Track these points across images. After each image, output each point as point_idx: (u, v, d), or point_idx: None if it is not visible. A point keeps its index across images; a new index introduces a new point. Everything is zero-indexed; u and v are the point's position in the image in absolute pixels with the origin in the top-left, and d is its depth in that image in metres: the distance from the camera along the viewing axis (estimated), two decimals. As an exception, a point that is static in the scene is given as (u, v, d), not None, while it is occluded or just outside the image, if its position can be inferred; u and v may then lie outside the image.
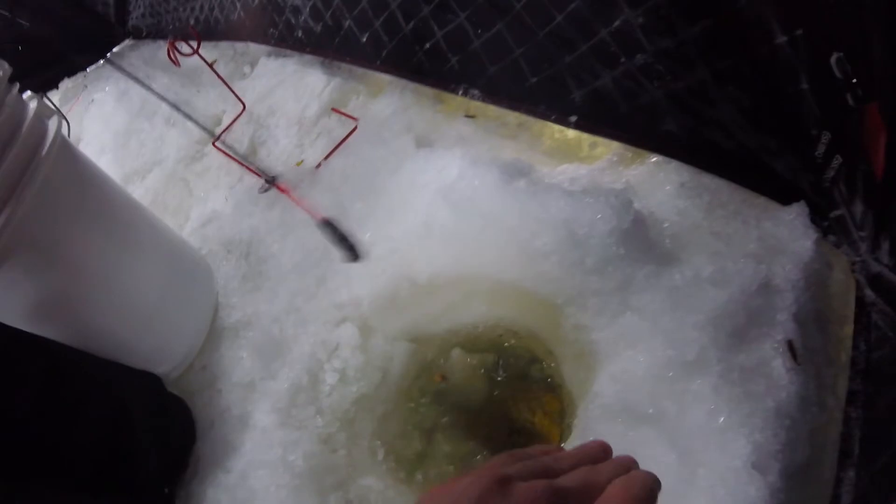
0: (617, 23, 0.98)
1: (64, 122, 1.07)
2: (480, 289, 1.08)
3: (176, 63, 1.43)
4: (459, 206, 1.04)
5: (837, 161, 0.88)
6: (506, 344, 1.11)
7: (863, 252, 0.88)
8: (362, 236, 1.22)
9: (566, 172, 1.09)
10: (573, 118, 1.11)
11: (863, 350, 0.83)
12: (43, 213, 0.96)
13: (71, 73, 2.20)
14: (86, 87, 2.12)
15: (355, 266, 1.20)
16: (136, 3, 2.04)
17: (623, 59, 1.01)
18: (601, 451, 0.52)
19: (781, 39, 0.83)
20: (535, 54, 1.13)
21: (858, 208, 0.89)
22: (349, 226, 1.23)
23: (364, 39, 1.38)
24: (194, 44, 1.40)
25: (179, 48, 1.41)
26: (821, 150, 0.88)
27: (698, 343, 0.75)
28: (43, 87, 2.19)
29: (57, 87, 2.21)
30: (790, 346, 0.75)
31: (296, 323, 1.21)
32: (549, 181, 1.00)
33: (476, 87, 1.23)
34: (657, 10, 0.93)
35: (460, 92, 1.24)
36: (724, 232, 0.91)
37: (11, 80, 1.00)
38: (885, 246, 0.83)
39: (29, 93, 1.02)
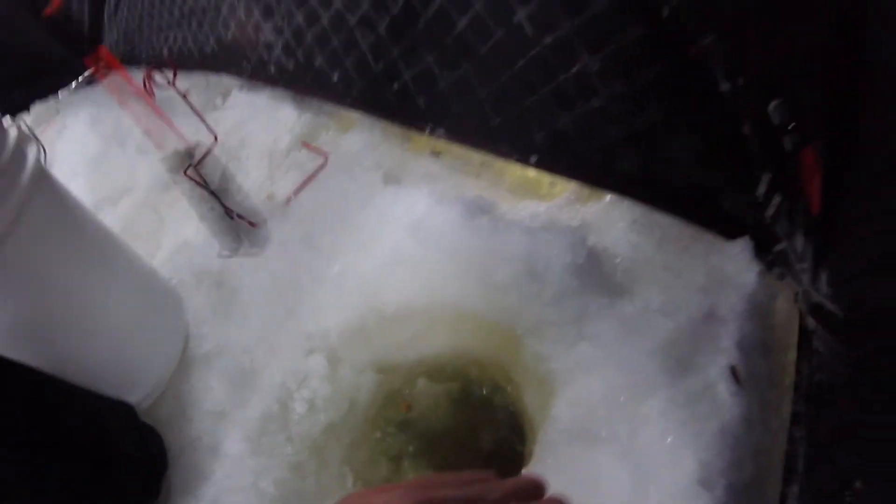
0: (575, 68, 1.06)
1: (41, 150, 1.11)
2: (445, 320, 1.14)
3: (151, 93, 1.47)
4: (425, 241, 1.10)
5: (777, 199, 0.96)
6: (469, 373, 1.17)
7: (804, 283, 0.96)
8: (332, 268, 1.27)
9: (527, 209, 1.16)
10: (534, 158, 1.18)
11: (805, 374, 0.91)
12: (17, 240, 0.99)
13: (42, 96, 2.22)
14: (58, 111, 2.15)
15: (324, 297, 1.26)
16: (110, 30, 2.08)
17: (581, 102, 1.09)
18: (533, 489, 0.52)
19: (725, 86, 0.91)
20: (499, 96, 1.21)
21: (799, 242, 0.96)
22: (318, 257, 1.29)
23: (335, 78, 1.44)
24: (170, 75, 1.45)
25: (155, 79, 1.45)
26: (762, 189, 0.96)
27: (648, 369, 0.82)
28: (14, 110, 2.21)
29: (28, 111, 2.23)
30: (733, 371, 0.82)
31: (266, 353, 1.26)
32: (510, 218, 1.07)
33: (442, 127, 1.30)
34: (614, 56, 1.01)
35: (427, 131, 1.31)
36: (674, 265, 0.98)
37: None
38: (824, 277, 0.91)
39: (8, 119, 1.05)
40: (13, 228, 0.98)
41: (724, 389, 0.80)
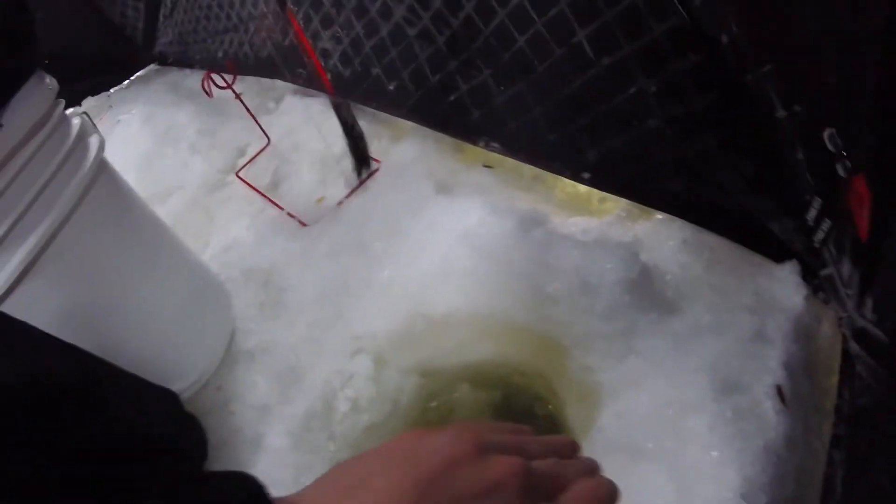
0: (632, 90, 1.10)
1: (102, 141, 1.15)
2: (492, 328, 1.18)
3: (210, 94, 1.54)
4: (479, 249, 1.15)
5: (827, 224, 0.99)
6: (513, 382, 1.21)
7: (849, 308, 0.99)
8: (381, 273, 1.32)
9: (578, 224, 1.20)
10: (586, 175, 1.22)
11: (847, 398, 0.94)
12: (75, 228, 1.03)
13: (94, 92, 2.29)
14: (111, 107, 2.22)
15: (372, 301, 1.30)
16: (164, 31, 2.15)
17: (635, 123, 1.13)
18: (570, 448, 0.53)
19: (781, 114, 0.94)
20: (554, 113, 1.25)
21: (846, 268, 0.99)
22: (368, 263, 1.34)
23: (391, 87, 1.50)
24: (229, 77, 1.52)
25: (214, 81, 1.52)
26: (812, 214, 1.00)
27: (696, 385, 0.85)
28: (67, 103, 2.28)
29: (80, 105, 2.30)
30: (779, 390, 0.86)
31: (312, 352, 1.30)
32: (563, 231, 1.11)
33: (496, 141, 1.34)
34: (671, 81, 1.05)
35: (481, 143, 1.36)
36: (722, 285, 1.02)
37: (60, 95, 1.08)
38: (869, 303, 0.94)
39: (71, 110, 1.09)
40: (72, 216, 1.01)
41: (769, 408, 0.83)
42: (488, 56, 1.31)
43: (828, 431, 0.90)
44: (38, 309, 1.02)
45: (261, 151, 1.75)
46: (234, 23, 1.89)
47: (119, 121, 2.08)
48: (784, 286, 1.00)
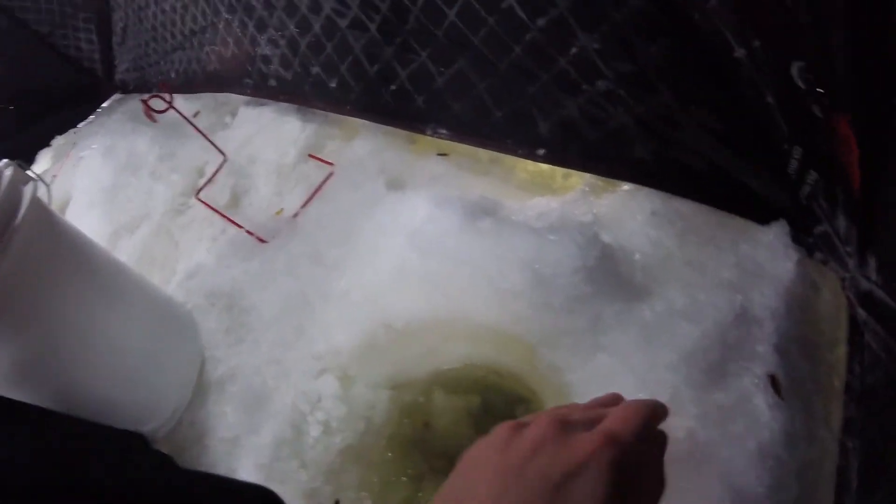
0: (574, 50, 0.94)
1: (42, 186, 1.06)
2: (458, 330, 1.03)
3: (152, 119, 1.39)
4: (427, 249, 0.99)
5: (812, 177, 0.82)
6: (489, 385, 1.06)
7: (851, 268, 0.82)
8: (338, 284, 1.17)
9: (537, 207, 1.03)
10: (541, 151, 1.06)
11: (857, 373, 0.77)
12: (19, 281, 0.94)
13: (62, 129, 2.17)
14: (75, 144, 2.08)
15: (332, 314, 1.16)
16: (120, 58, 2.02)
17: (585, 87, 0.97)
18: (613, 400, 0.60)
19: (740, 52, 0.78)
20: (498, 88, 1.09)
21: (842, 223, 0.83)
22: (326, 273, 1.19)
23: (333, 85, 1.33)
24: (171, 99, 1.37)
25: (153, 105, 1.37)
26: (793, 165, 0.82)
27: (671, 383, 0.69)
28: (35, 144, 2.16)
29: (49, 144, 2.18)
30: (772, 380, 0.69)
31: (277, 375, 1.16)
32: (516, 218, 0.94)
33: (443, 127, 1.18)
34: (613, 32, 0.88)
35: (429, 132, 1.19)
36: (698, 260, 0.84)
37: None
38: (872, 262, 0.77)
39: (5, 161, 1.01)
40: (14, 267, 0.92)
41: (761, 402, 0.66)
42: (422, 36, 1.15)
43: (837, 415, 0.73)
44: None
45: (218, 170, 1.59)
46: (179, 41, 1.74)
47: (82, 157, 1.94)
48: (771, 252, 0.83)
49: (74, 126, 2.16)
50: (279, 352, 1.19)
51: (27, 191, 1.01)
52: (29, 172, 1.08)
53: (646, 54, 0.87)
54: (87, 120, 2.15)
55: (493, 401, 1.05)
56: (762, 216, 0.89)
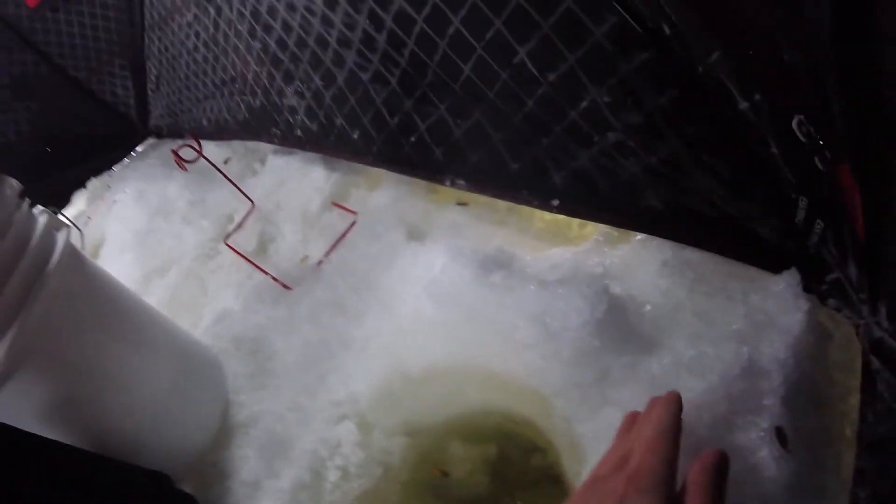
0: (584, 103, 0.96)
1: (76, 232, 1.10)
2: (473, 379, 1.05)
3: (183, 168, 1.45)
4: (442, 299, 1.02)
5: (819, 226, 0.82)
6: (505, 433, 1.07)
7: (865, 315, 0.82)
8: (358, 332, 1.20)
9: (551, 258, 1.05)
10: (555, 202, 1.08)
11: (870, 422, 0.76)
12: (52, 323, 0.98)
13: (98, 172, 2.24)
14: (109, 186, 2.16)
15: (352, 362, 1.19)
16: (154, 104, 2.10)
17: (596, 139, 0.99)
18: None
19: (744, 105, 0.79)
20: (514, 140, 1.12)
21: (853, 271, 0.83)
22: (346, 321, 1.22)
23: (355, 136, 1.38)
24: (197, 149, 1.43)
25: (184, 154, 1.43)
26: (801, 215, 0.83)
27: (675, 439, 0.69)
28: (70, 187, 2.24)
29: (85, 186, 2.25)
30: (779, 432, 0.69)
31: (298, 421, 1.18)
32: (530, 271, 0.96)
33: (461, 177, 1.21)
34: (621, 85, 0.90)
35: (447, 182, 1.22)
36: (708, 310, 0.85)
37: (24, 194, 1.04)
38: (883, 310, 0.77)
39: (39, 207, 1.06)
40: (46, 312, 0.96)
41: (766, 456, 0.67)
42: (440, 90, 1.19)
43: (848, 465, 0.72)
44: (24, 404, 0.99)
45: (246, 216, 1.65)
46: (210, 90, 1.81)
47: (115, 201, 2.01)
48: (781, 302, 0.83)
49: (109, 169, 2.24)
50: (301, 398, 1.21)
51: (60, 237, 1.06)
52: (62, 218, 1.13)
53: (653, 105, 0.89)
54: (122, 163, 2.24)
55: (510, 450, 1.06)
56: (773, 265, 0.90)
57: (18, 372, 0.94)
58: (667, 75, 0.86)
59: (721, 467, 0.58)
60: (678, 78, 0.84)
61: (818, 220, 0.81)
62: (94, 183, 2.23)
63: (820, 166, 0.71)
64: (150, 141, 2.24)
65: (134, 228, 1.84)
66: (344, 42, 1.32)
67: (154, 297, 1.67)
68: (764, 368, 0.74)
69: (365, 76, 1.32)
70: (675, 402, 0.64)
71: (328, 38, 1.34)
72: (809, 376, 0.76)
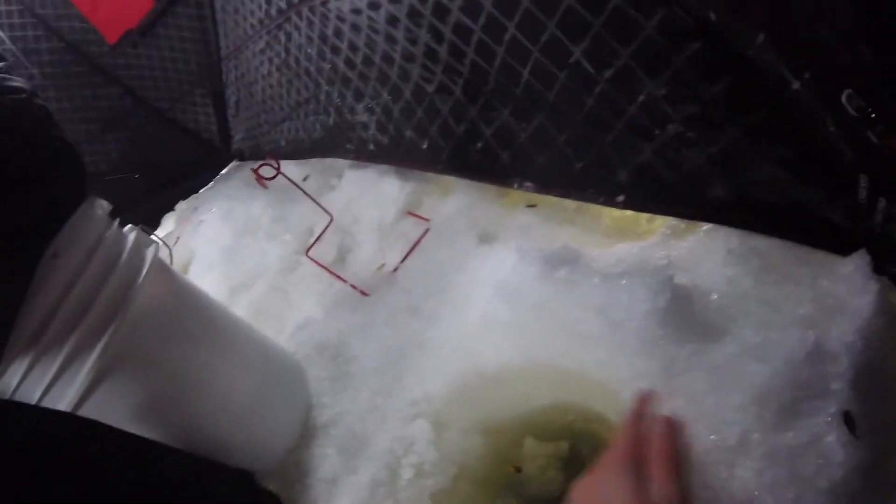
0: (642, 97, 0.97)
1: (164, 248, 1.17)
2: (545, 376, 1.07)
3: (263, 186, 1.53)
4: (512, 299, 1.04)
5: (882, 204, 0.80)
6: (577, 430, 1.08)
7: (943, 296, 0.79)
8: (433, 334, 1.24)
9: (617, 253, 1.06)
10: (620, 198, 1.08)
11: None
12: (142, 332, 1.04)
13: (185, 195, 2.37)
14: (196, 208, 2.28)
15: (427, 363, 1.23)
16: (235, 128, 2.20)
17: (657, 132, 1.00)
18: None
19: (795, 85, 0.79)
20: (577, 139, 1.13)
21: (921, 249, 0.81)
22: (421, 324, 1.26)
23: (424, 146, 1.42)
24: (276, 167, 1.51)
25: (263, 172, 1.51)
26: (863, 194, 0.81)
27: (740, 425, 0.69)
28: (160, 211, 2.38)
29: (174, 209, 2.38)
30: (846, 417, 0.68)
31: (375, 421, 1.23)
32: (594, 266, 0.97)
33: (528, 180, 1.23)
34: (675, 77, 0.91)
35: (515, 185, 1.25)
36: (774, 298, 0.84)
37: (115, 213, 1.13)
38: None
39: (129, 226, 1.14)
40: (136, 321, 1.03)
41: (833, 441, 0.65)
42: (502, 95, 1.22)
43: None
44: (116, 406, 1.05)
45: (325, 229, 1.72)
46: (286, 112, 1.90)
47: (202, 221, 2.13)
48: (850, 284, 0.81)
49: (196, 192, 2.36)
50: (378, 399, 1.26)
51: (149, 252, 1.14)
52: (152, 236, 1.21)
53: (709, 94, 0.89)
54: (207, 186, 2.36)
55: (582, 446, 1.07)
56: (841, 247, 0.88)
57: (112, 375, 1.01)
58: (718, 63, 0.86)
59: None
60: (729, 64, 0.85)
61: (880, 198, 0.80)
62: (182, 205, 2.36)
63: (875, 140, 0.70)
64: (234, 164, 2.35)
65: (220, 245, 1.94)
66: (408, 57, 1.36)
67: (240, 310, 1.75)
68: (831, 352, 0.72)
69: (430, 88, 1.36)
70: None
71: (393, 54, 1.39)
72: (880, 359, 0.74)
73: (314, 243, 1.72)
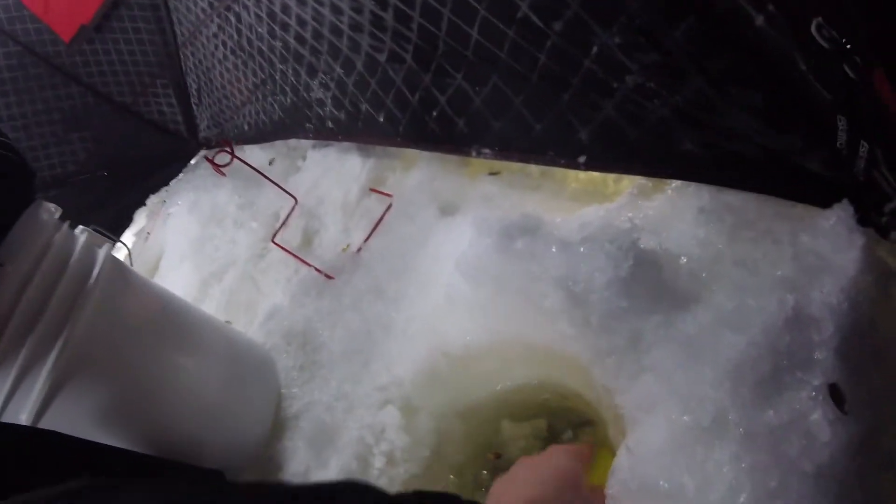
0: (595, 48, 0.87)
1: (120, 246, 1.11)
2: (514, 353, 0.98)
3: (221, 173, 1.43)
4: (472, 275, 0.94)
5: (864, 148, 0.71)
6: (553, 408, 0.99)
7: (936, 246, 0.70)
8: (398, 315, 1.15)
9: (582, 217, 0.96)
10: (582, 159, 0.99)
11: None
12: (99, 333, 1.00)
13: (156, 189, 2.27)
14: (165, 201, 2.18)
15: (394, 346, 1.14)
16: (201, 117, 2.10)
17: (616, 85, 0.89)
18: None
19: (759, 20, 0.70)
20: (534, 100, 1.03)
21: (914, 195, 0.71)
22: (386, 307, 1.17)
23: (381, 119, 1.32)
24: (230, 152, 1.40)
25: (220, 159, 1.40)
26: (842, 138, 0.72)
27: (715, 403, 0.60)
28: (132, 206, 2.28)
29: (145, 204, 2.28)
30: (833, 390, 0.58)
31: (344, 409, 1.14)
32: (556, 234, 0.86)
33: (486, 146, 1.13)
34: (630, 24, 0.81)
35: (473, 153, 1.15)
36: (750, 258, 0.74)
37: (65, 217, 1.08)
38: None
39: (80, 227, 1.09)
40: (92, 323, 0.98)
41: (819, 418, 0.56)
42: (454, 59, 1.11)
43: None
44: (79, 412, 1.01)
45: (289, 214, 1.61)
46: (245, 95, 1.78)
47: (170, 213, 2.02)
48: (833, 239, 0.72)
49: (167, 185, 2.26)
50: (346, 386, 1.17)
51: (101, 253, 1.07)
52: (115, 236, 1.12)
53: (669, 41, 0.79)
54: (177, 178, 2.25)
55: (561, 425, 0.99)
56: (822, 199, 0.78)
57: (71, 381, 0.96)
58: (676, 5, 0.75)
59: None
60: (687, 5, 0.74)
61: (862, 142, 0.70)
62: (152, 199, 2.26)
63: (851, 74, 0.60)
64: (202, 153, 2.24)
65: (189, 238, 1.84)
66: (355, 27, 1.25)
67: (213, 301, 1.66)
68: (814, 317, 0.63)
69: (381, 57, 1.25)
70: None
71: (340, 25, 1.28)
72: (868, 322, 0.64)
73: (279, 229, 1.61)
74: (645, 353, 0.69)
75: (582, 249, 0.76)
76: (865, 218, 0.75)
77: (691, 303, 0.71)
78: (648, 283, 0.73)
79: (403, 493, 0.56)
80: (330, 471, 1.06)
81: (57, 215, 1.06)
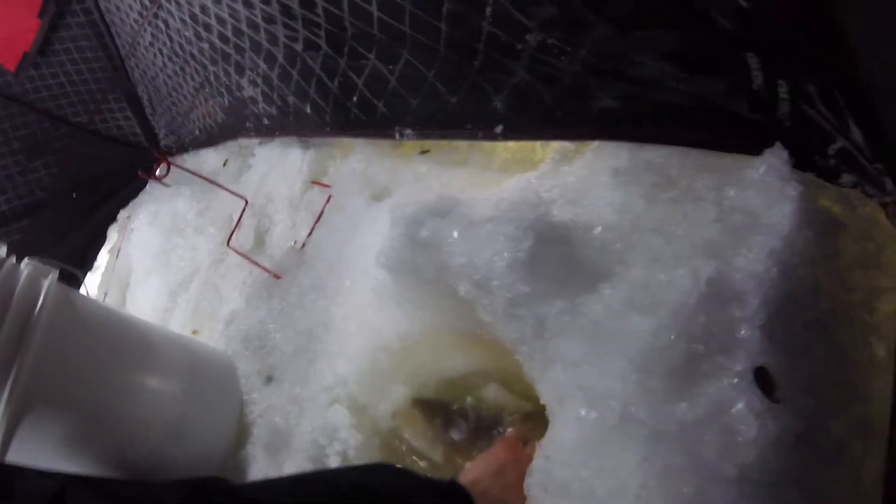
0: (489, 9, 0.74)
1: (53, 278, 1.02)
2: (448, 344, 0.88)
3: (163, 183, 1.31)
4: (390, 266, 0.82)
5: (784, 88, 0.57)
6: (496, 392, 0.87)
7: (889, 189, 0.59)
8: (337, 311, 1.03)
9: (502, 193, 0.83)
10: (499, 128, 0.87)
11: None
12: (50, 363, 0.94)
13: (125, 203, 2.15)
14: (129, 216, 2.06)
15: (335, 343, 1.03)
16: (158, 126, 1.97)
17: (519, 46, 0.77)
18: None
19: None
20: (446, 72, 0.92)
21: (857, 134, 0.59)
22: (326, 303, 1.05)
23: (308, 110, 1.20)
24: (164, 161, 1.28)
25: (159, 172, 1.28)
26: (758, 79, 0.58)
27: (621, 399, 0.48)
28: (102, 224, 2.16)
29: (116, 220, 2.16)
30: (759, 375, 0.45)
31: (296, 412, 1.04)
32: (466, 216, 0.74)
33: (407, 126, 1.01)
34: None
35: (396, 135, 1.02)
36: (670, 222, 0.62)
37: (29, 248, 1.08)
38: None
39: (26, 259, 1.01)
40: (41, 355, 0.92)
41: (743, 410, 0.44)
42: (363, 39, 1.00)
43: (883, 403, 0.48)
44: (41, 443, 0.95)
45: (241, 215, 1.49)
46: (190, 101, 1.65)
47: (132, 229, 1.90)
48: (763, 191, 0.60)
49: (136, 197, 2.13)
50: (297, 389, 1.08)
51: (46, 283, 0.98)
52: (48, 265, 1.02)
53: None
54: (145, 189, 2.12)
55: (506, 409, 0.87)
56: (752, 146, 0.65)
57: (28, 415, 0.90)
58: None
59: None
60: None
61: (780, 81, 0.57)
62: (122, 214, 2.13)
63: (743, 3, 0.46)
64: (140, 171, 2.10)
65: (152, 251, 1.72)
66: (268, 19, 1.13)
67: (182, 312, 1.56)
68: (735, 289, 0.50)
69: (298, 47, 1.13)
70: None
71: (255, 19, 1.16)
72: (809, 288, 0.51)
73: (233, 232, 1.49)
74: (550, 341, 0.57)
75: (481, 233, 0.64)
76: (803, 161, 0.62)
77: (601, 282, 0.59)
78: (554, 262, 0.61)
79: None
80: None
81: (2, 251, 1.00)
